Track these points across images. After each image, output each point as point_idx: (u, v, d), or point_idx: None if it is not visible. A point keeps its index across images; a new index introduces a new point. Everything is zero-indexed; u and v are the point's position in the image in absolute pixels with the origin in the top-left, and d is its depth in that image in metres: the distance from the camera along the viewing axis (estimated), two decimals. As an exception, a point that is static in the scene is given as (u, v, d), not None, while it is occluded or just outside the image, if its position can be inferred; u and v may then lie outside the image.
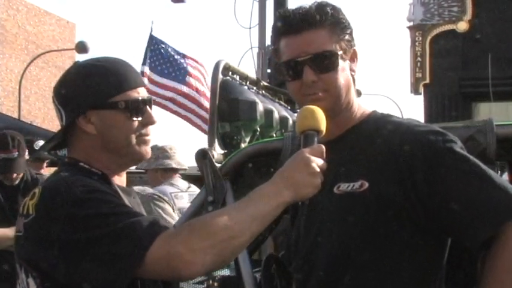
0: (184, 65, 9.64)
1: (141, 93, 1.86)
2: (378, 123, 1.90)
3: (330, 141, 1.89)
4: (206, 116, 9.45)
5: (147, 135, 1.86)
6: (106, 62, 1.87)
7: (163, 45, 9.65)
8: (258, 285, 2.36)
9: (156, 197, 4.45)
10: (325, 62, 1.84)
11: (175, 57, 9.64)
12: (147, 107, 1.86)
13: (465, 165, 1.76)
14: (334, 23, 1.87)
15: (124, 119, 1.82)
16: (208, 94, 9.53)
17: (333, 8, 1.89)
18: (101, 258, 1.59)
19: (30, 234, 1.69)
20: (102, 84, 1.81)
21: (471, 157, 1.78)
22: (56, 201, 1.66)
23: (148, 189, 4.55)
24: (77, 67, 1.90)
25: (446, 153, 1.77)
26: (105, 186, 1.78)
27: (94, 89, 1.81)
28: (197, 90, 9.59)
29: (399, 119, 1.94)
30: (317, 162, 1.69)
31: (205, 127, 9.41)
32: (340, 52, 1.86)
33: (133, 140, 1.83)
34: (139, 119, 1.84)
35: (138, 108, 1.83)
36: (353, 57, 1.92)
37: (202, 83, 9.62)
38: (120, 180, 1.90)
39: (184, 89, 9.50)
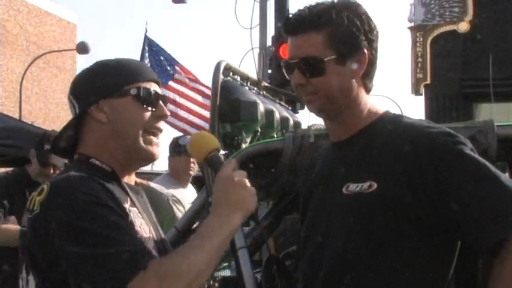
0: (171, 71, 9.67)
1: (154, 87, 1.87)
2: (389, 124, 1.89)
3: (340, 142, 1.91)
4: (190, 118, 9.48)
5: (157, 128, 1.85)
6: (123, 59, 1.91)
7: (155, 48, 9.70)
8: (258, 286, 2.36)
9: (176, 199, 4.45)
10: (312, 67, 1.85)
11: (162, 60, 9.67)
12: (160, 101, 1.86)
13: (475, 168, 1.75)
14: (334, 27, 1.85)
15: (135, 107, 1.82)
16: (200, 98, 9.55)
17: (340, 9, 1.87)
18: (83, 276, 1.60)
19: (32, 231, 1.69)
20: (115, 75, 1.83)
21: (481, 159, 1.77)
22: (57, 202, 1.66)
23: (165, 189, 4.55)
24: (92, 64, 1.92)
25: (456, 155, 1.76)
26: (113, 185, 1.77)
27: (106, 79, 1.83)
28: (179, 93, 9.58)
29: (410, 119, 1.92)
30: (240, 174, 1.75)
31: (189, 129, 9.43)
32: (331, 57, 1.84)
33: (141, 131, 1.82)
34: (151, 109, 1.83)
35: (150, 98, 1.83)
36: (360, 60, 1.88)
37: (188, 88, 9.59)
38: (129, 178, 1.90)
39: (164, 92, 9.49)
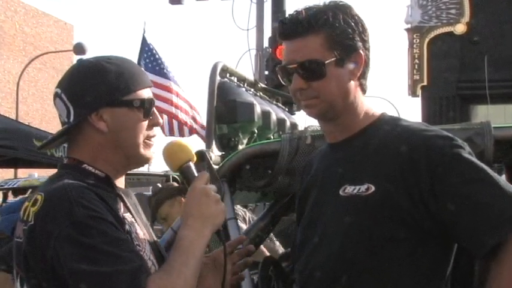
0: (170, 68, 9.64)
1: (150, 93, 1.85)
2: (385, 126, 1.88)
3: (337, 144, 1.91)
4: (200, 119, 9.46)
5: (153, 136, 1.86)
6: (117, 60, 1.84)
7: (153, 48, 9.67)
8: (255, 287, 2.36)
9: None
10: (312, 71, 1.84)
11: (163, 60, 9.65)
12: (154, 108, 1.86)
13: (472, 172, 1.74)
14: (331, 29, 1.84)
15: (136, 118, 1.79)
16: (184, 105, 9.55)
17: (334, 11, 1.86)
18: None
19: (29, 243, 1.64)
20: (117, 82, 1.78)
21: (479, 163, 1.76)
22: (56, 216, 1.61)
23: None
24: (88, 64, 1.84)
25: (453, 159, 1.75)
26: (107, 191, 1.75)
27: (109, 86, 1.77)
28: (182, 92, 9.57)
29: (408, 122, 1.91)
30: (213, 188, 1.78)
31: (201, 131, 9.40)
32: (331, 60, 1.83)
33: (141, 141, 1.81)
34: (150, 118, 1.83)
35: (150, 108, 1.82)
36: (357, 61, 1.87)
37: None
38: (119, 181, 1.87)
39: (177, 88, 9.46)
